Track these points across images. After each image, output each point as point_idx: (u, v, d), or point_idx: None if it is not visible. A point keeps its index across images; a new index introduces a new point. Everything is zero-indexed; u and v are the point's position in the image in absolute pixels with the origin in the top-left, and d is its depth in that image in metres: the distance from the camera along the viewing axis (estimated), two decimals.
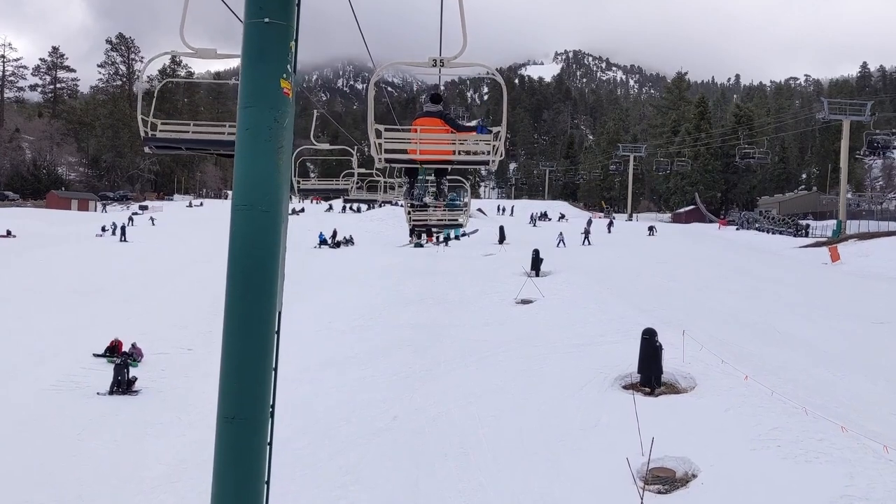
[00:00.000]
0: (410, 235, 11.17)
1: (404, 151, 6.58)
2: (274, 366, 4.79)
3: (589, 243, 38.02)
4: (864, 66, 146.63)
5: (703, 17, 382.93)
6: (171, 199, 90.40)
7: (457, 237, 15.29)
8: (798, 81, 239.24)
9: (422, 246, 34.38)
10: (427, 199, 11.02)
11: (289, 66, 4.53)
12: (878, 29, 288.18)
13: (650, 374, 14.12)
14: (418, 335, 19.46)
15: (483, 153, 6.64)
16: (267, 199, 4.48)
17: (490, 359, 16.68)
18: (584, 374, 14.69)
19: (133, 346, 19.40)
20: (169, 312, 24.01)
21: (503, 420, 12.85)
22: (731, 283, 26.03)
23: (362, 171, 16.84)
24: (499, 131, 6.38)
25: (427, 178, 11.16)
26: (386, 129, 6.38)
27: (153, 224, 53.66)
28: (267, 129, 4.42)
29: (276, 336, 4.83)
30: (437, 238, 11.56)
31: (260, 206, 4.46)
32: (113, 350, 19.45)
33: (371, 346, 18.73)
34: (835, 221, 50.50)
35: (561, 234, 39.13)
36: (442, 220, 11.63)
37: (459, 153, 6.80)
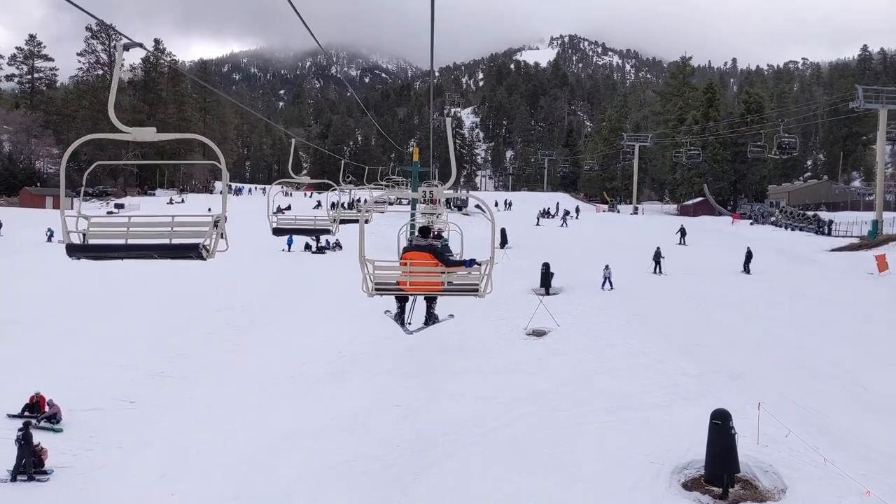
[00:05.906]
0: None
1: (395, 283, 6.73)
2: None
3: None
4: (865, 48, 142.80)
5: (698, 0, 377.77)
6: (154, 195, 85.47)
7: None
8: (797, 65, 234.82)
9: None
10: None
11: None
12: (877, 11, 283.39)
13: (722, 472, 10.45)
14: (408, 390, 15.71)
15: (472, 285, 6.62)
16: None
17: (498, 433, 12.95)
18: (631, 464, 10.99)
19: (50, 404, 15.57)
20: (113, 347, 20.07)
21: None
22: (780, 306, 22.21)
23: (309, 180, 11.64)
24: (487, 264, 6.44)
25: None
26: (377, 262, 6.49)
27: None
28: None
29: None
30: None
31: None
32: (33, 408, 15.70)
33: (351, 406, 14.97)
34: (858, 216, 46.86)
35: (607, 269, 26.32)
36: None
37: (449, 283, 6.73)
